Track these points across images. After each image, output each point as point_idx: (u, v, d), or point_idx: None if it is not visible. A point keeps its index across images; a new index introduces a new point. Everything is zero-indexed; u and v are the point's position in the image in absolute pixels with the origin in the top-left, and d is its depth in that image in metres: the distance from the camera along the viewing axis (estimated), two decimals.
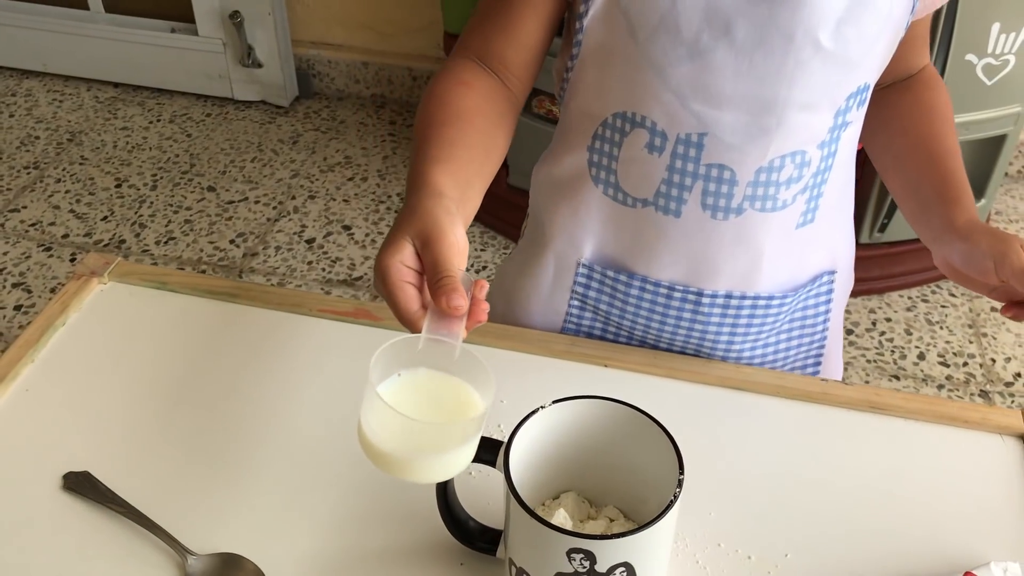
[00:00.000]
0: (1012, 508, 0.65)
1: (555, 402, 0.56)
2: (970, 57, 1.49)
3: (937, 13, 1.43)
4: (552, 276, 0.78)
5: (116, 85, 2.38)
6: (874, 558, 0.61)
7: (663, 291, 0.74)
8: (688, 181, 0.69)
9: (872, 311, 1.73)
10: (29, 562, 0.60)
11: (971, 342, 1.68)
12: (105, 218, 1.95)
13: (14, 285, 1.78)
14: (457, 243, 0.54)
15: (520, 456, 0.55)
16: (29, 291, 1.76)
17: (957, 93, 1.51)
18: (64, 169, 2.09)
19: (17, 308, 1.72)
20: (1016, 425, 0.70)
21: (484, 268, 1.80)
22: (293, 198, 2.01)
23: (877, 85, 0.72)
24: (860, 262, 1.71)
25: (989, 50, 1.49)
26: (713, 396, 0.72)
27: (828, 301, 0.79)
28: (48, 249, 1.87)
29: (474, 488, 0.64)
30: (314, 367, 0.73)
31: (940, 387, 1.59)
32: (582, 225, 0.75)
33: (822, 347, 0.81)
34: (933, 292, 1.78)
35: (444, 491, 0.59)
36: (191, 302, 0.79)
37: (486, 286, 0.54)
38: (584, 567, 0.51)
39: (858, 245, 1.68)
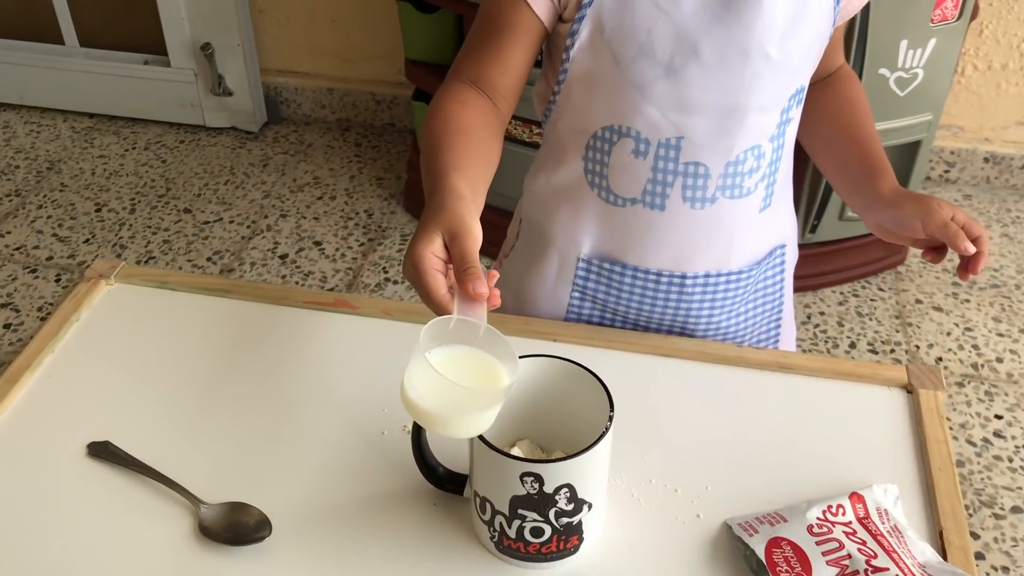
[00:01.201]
0: (895, 444, 0.76)
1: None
2: (883, 71, 1.63)
3: (850, 32, 1.57)
4: (556, 272, 0.89)
5: (92, 116, 2.46)
6: (777, 486, 0.72)
7: (652, 277, 0.85)
8: (670, 179, 0.80)
9: (807, 306, 1.86)
10: (63, 518, 0.69)
11: (897, 331, 1.81)
12: (87, 240, 2.03)
13: (2, 305, 1.85)
14: (478, 238, 0.64)
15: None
16: (17, 311, 1.84)
17: (874, 103, 1.64)
18: (45, 196, 2.17)
19: (7, 326, 1.80)
20: (900, 378, 0.81)
21: None
22: (266, 217, 2.11)
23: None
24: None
25: (899, 64, 1.63)
26: (645, 363, 0.83)
27: (782, 271, 0.91)
28: (33, 271, 1.95)
29: (441, 441, 0.74)
30: (302, 348, 0.84)
31: None
32: (581, 225, 0.86)
33: (780, 312, 0.93)
34: (863, 287, 1.92)
35: (419, 444, 0.69)
36: (189, 298, 0.89)
37: (497, 275, 0.64)
38: (535, 488, 0.62)
39: None
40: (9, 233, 2.05)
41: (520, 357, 0.64)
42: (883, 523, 0.69)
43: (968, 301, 1.88)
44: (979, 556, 1.42)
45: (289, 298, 0.89)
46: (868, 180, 0.83)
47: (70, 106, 2.47)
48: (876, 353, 1.76)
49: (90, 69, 2.40)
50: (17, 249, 2.01)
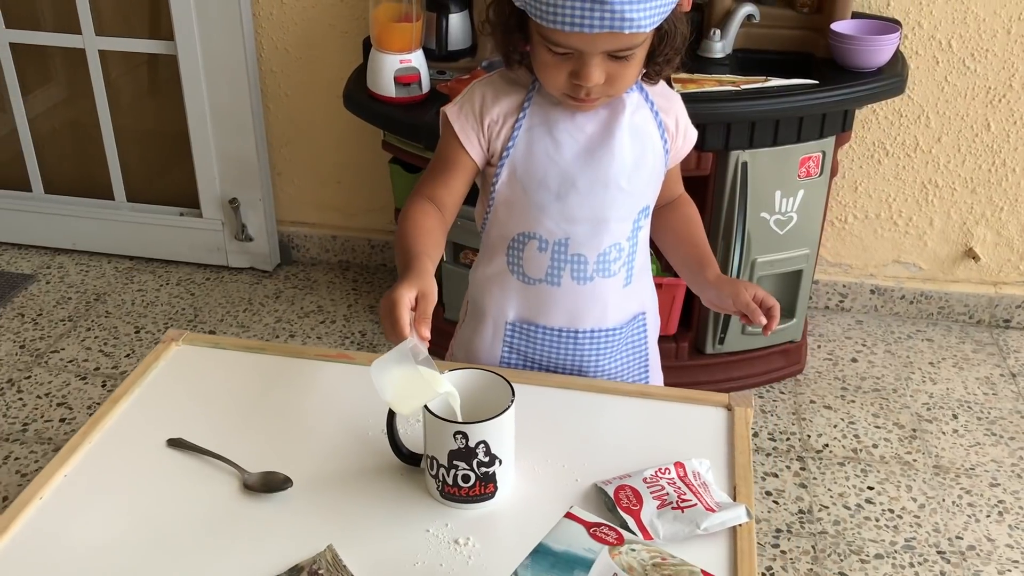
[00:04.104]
0: (715, 440, 1.07)
1: (451, 371, 1.00)
2: (764, 214, 2.02)
3: (734, 183, 1.97)
4: (491, 334, 1.22)
5: (132, 258, 2.83)
6: (633, 464, 1.04)
7: (555, 333, 1.19)
8: (562, 265, 1.15)
9: None
10: (155, 485, 1.01)
11: (793, 424, 2.13)
12: (127, 355, 2.36)
13: (58, 404, 2.17)
14: (435, 300, 0.96)
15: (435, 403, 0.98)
16: (70, 408, 2.15)
17: (758, 240, 2.04)
18: (92, 321, 2.52)
19: (62, 420, 2.11)
20: (724, 401, 1.14)
21: None
22: (277, 336, 2.45)
23: (656, 205, 1.21)
24: (707, 368, 2.18)
25: (776, 209, 2.02)
26: (553, 393, 1.15)
27: (645, 331, 1.25)
28: (83, 378, 2.27)
29: (406, 434, 1.06)
30: (314, 382, 1.16)
31: (768, 455, 2.03)
32: (506, 300, 1.20)
33: (647, 361, 1.26)
34: (767, 391, 2.25)
35: (393, 435, 1.01)
36: (235, 355, 1.22)
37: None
38: (463, 443, 0.94)
39: (704, 355, 2.16)
40: (64, 349, 2.38)
41: (456, 370, 0.99)
42: (695, 480, 1.00)
43: (854, 402, 2.21)
44: None
45: (305, 353, 1.22)
46: (699, 270, 1.19)
47: (114, 250, 2.84)
48: (775, 440, 2.07)
49: (133, 220, 2.79)
50: (70, 362, 2.34)
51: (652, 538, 0.92)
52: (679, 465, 1.01)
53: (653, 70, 1.07)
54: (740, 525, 0.95)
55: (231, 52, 2.48)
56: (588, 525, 0.76)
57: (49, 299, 2.62)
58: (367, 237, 2.77)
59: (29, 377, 2.28)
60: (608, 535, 0.75)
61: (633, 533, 0.91)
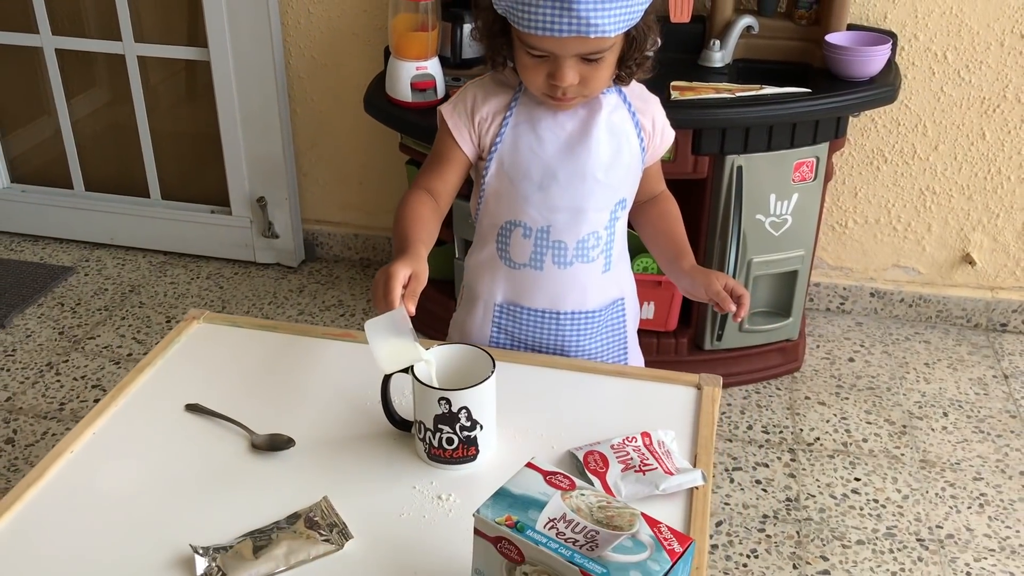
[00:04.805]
0: (684, 415, 1.16)
1: (440, 345, 1.10)
2: (759, 216, 2.10)
3: (730, 186, 2.05)
4: (482, 315, 1.31)
5: (166, 253, 2.97)
6: (599, 430, 1.12)
7: (538, 314, 1.28)
8: (544, 251, 1.25)
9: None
10: (174, 443, 1.11)
11: (787, 419, 2.20)
12: (158, 342, 2.48)
13: (93, 386, 2.30)
14: (425, 281, 1.07)
15: (421, 372, 1.08)
16: (104, 390, 2.27)
17: (754, 241, 2.12)
18: (127, 311, 2.65)
19: (96, 401, 2.23)
20: (694, 380, 1.22)
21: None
22: None
23: (637, 200, 1.30)
24: (705, 364, 2.27)
25: (771, 212, 2.10)
26: (536, 371, 1.24)
27: (624, 315, 1.34)
28: (117, 363, 2.39)
29: (398, 401, 1.16)
30: (319, 357, 1.26)
31: (760, 447, 2.11)
32: (496, 283, 1.29)
33: (625, 343, 1.35)
34: (764, 387, 2.32)
35: (387, 403, 1.11)
36: (250, 332, 1.33)
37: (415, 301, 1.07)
38: (447, 408, 1.03)
39: (702, 351, 2.24)
40: (99, 336, 2.52)
41: (444, 344, 1.09)
42: (660, 448, 1.09)
43: (848, 399, 2.28)
44: (825, 573, 1.77)
45: (312, 332, 1.33)
46: (676, 260, 1.28)
47: (149, 245, 2.97)
48: (768, 433, 2.15)
49: (167, 216, 2.92)
50: (105, 348, 2.47)
51: (615, 496, 1.01)
52: (645, 435, 1.10)
53: (625, 72, 1.17)
54: (696, 488, 1.04)
55: (261, 59, 2.61)
56: (545, 473, 0.85)
57: (87, 290, 2.76)
58: (387, 236, 2.88)
59: (67, 361, 2.41)
60: (562, 482, 0.84)
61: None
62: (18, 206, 3.01)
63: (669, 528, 0.80)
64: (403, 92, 2.14)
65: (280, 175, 2.78)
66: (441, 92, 2.16)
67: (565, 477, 0.85)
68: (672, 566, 0.76)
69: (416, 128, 2.15)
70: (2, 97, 2.99)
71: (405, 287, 1.06)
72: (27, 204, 3.00)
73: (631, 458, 1.06)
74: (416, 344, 1.04)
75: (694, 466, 1.08)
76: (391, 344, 1.03)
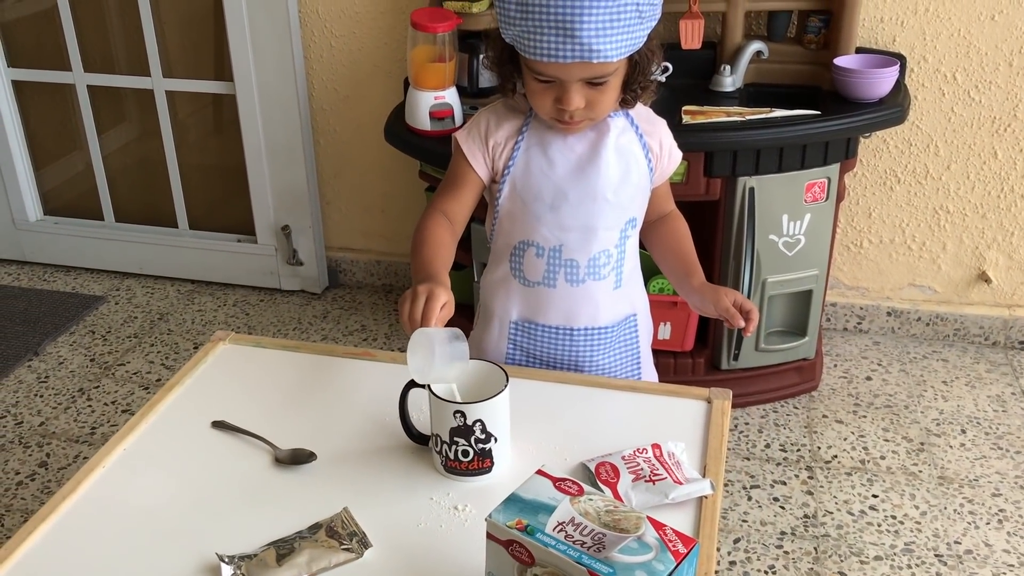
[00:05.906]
0: (695, 427, 1.19)
1: None
2: (772, 237, 2.13)
3: (743, 207, 2.08)
4: (498, 333, 1.35)
5: (193, 281, 3.03)
6: (612, 443, 1.15)
7: (552, 331, 1.32)
8: (557, 269, 1.29)
9: (734, 419, 2.28)
10: (195, 459, 1.16)
11: (804, 437, 2.21)
12: None
13: (123, 411, 2.35)
14: (453, 309, 1.10)
15: (439, 386, 1.12)
16: (134, 415, 2.32)
17: (768, 261, 2.15)
18: (156, 337, 2.71)
19: None
20: (704, 394, 1.25)
21: None
22: None
23: (647, 219, 1.33)
24: (722, 384, 2.26)
25: (784, 232, 2.13)
26: (551, 387, 1.27)
27: (636, 331, 1.37)
28: (146, 388, 2.45)
29: (415, 416, 1.19)
30: (340, 375, 1.30)
31: (778, 464, 2.12)
32: (510, 301, 1.33)
33: (638, 359, 1.38)
34: (782, 406, 2.33)
35: (405, 416, 1.15)
36: (274, 353, 1.37)
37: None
38: (462, 421, 1.07)
39: (719, 371, 2.26)
40: (129, 363, 2.57)
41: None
42: (670, 459, 1.11)
43: (865, 417, 2.29)
44: None
45: (335, 352, 1.37)
46: (685, 277, 1.31)
47: (177, 274, 3.04)
48: (785, 451, 2.16)
49: (195, 246, 2.99)
50: (135, 374, 2.52)
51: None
52: (656, 446, 1.13)
53: (630, 96, 1.21)
54: (706, 497, 1.06)
55: (285, 92, 2.68)
56: (555, 480, 0.88)
57: (117, 318, 2.82)
58: (407, 263, 2.92)
59: (98, 387, 2.47)
60: (571, 488, 0.87)
61: None
62: (51, 238, 3.09)
63: (674, 531, 0.83)
64: (422, 121, 2.19)
65: (304, 204, 2.84)
66: (459, 120, 2.21)
67: (574, 483, 0.88)
68: (676, 566, 0.78)
69: (435, 156, 2.20)
70: (36, 132, 3.08)
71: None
72: (59, 236, 3.08)
73: (641, 468, 1.08)
74: (461, 365, 1.07)
75: (703, 476, 1.11)
76: (437, 358, 1.05)
